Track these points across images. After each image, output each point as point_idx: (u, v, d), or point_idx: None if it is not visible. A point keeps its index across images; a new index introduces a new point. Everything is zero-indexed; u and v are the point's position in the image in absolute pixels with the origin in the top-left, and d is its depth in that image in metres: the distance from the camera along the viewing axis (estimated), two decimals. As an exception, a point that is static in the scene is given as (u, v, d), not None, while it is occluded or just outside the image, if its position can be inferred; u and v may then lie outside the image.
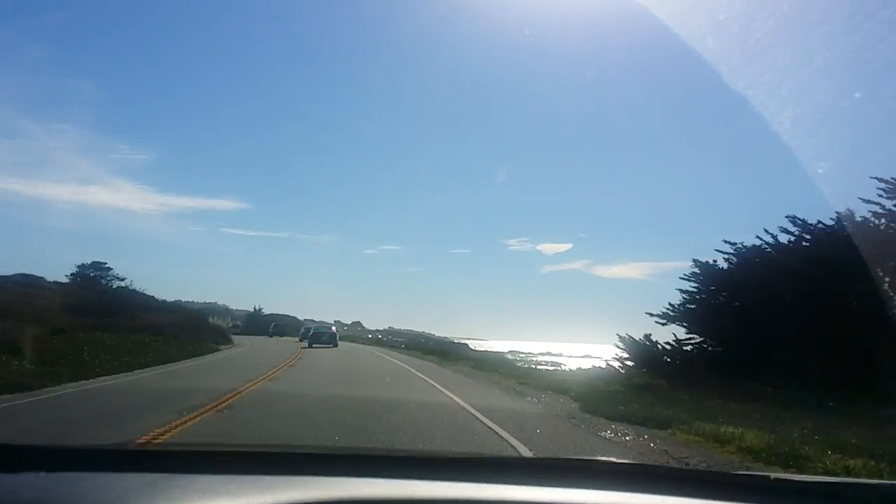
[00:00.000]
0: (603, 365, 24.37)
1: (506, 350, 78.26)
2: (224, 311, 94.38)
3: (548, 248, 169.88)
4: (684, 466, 6.54)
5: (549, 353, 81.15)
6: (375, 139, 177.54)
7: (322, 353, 33.83)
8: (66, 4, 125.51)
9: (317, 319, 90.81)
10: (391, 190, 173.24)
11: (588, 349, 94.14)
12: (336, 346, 42.87)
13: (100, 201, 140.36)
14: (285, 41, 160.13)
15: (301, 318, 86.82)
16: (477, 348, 72.78)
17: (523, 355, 69.54)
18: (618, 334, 21.54)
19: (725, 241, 20.19)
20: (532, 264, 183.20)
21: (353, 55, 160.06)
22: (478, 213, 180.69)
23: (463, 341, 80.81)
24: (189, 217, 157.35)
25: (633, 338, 21.28)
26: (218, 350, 32.62)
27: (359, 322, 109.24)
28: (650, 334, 20.82)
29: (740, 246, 19.75)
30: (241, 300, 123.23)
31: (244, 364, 23.39)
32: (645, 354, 20.69)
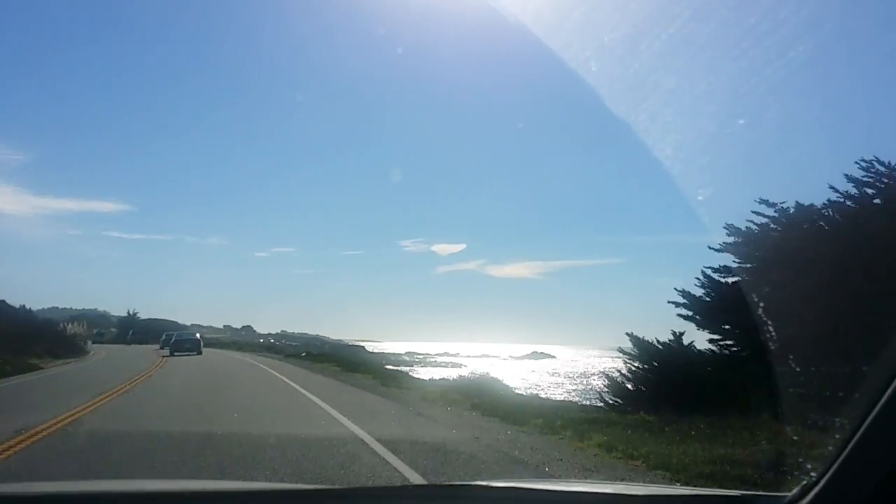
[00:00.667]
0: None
1: (402, 351, 75.74)
2: (100, 318, 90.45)
3: (442, 248, 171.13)
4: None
5: (446, 354, 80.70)
6: (266, 141, 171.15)
7: (183, 366, 28.66)
8: None
9: (204, 325, 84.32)
10: (283, 192, 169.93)
11: (485, 348, 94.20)
12: (200, 353, 40.16)
13: None
14: (170, 41, 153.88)
15: (188, 323, 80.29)
16: (373, 350, 69.47)
17: (420, 356, 67.06)
18: (627, 334, 15.52)
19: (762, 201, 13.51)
20: (427, 265, 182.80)
21: (242, 56, 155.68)
22: (372, 215, 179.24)
23: (358, 343, 77.43)
24: (67, 220, 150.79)
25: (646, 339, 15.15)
26: (43, 368, 27.09)
27: (250, 326, 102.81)
28: (682, 333, 14.83)
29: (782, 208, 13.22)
30: (122, 306, 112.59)
31: (66, 387, 18.30)
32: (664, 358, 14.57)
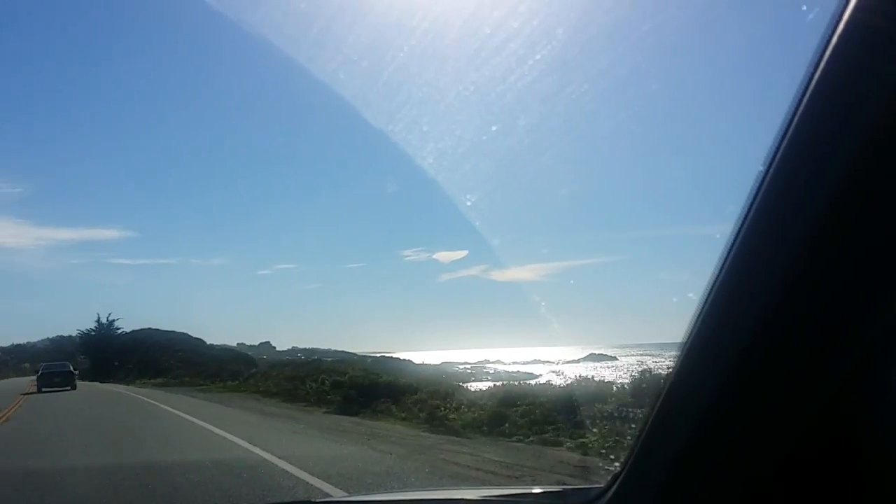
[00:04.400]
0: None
1: (438, 361, 64.84)
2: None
3: (444, 256, 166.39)
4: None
5: (486, 362, 71.93)
6: (264, 160, 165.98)
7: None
8: None
9: (217, 343, 71.60)
10: (282, 209, 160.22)
11: (530, 353, 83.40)
12: (74, 388, 34.56)
13: None
14: (166, 67, 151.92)
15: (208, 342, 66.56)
16: (421, 362, 57.35)
17: (471, 367, 56.08)
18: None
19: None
20: (430, 273, 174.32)
21: (237, 78, 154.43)
22: (372, 227, 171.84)
23: (385, 355, 66.98)
24: (69, 249, 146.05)
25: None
26: None
27: (268, 342, 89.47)
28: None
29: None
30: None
31: None
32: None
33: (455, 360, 70.28)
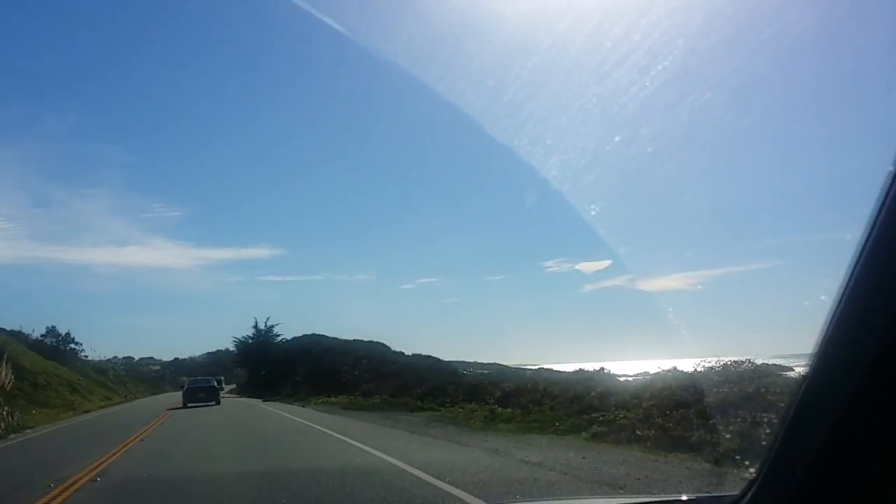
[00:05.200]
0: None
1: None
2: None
3: (586, 266, 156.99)
4: None
5: (646, 373, 55.38)
6: (400, 179, 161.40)
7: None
8: (86, 75, 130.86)
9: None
10: (423, 224, 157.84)
11: (672, 365, 69.39)
12: (218, 403, 34.49)
13: (137, 261, 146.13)
14: (300, 88, 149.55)
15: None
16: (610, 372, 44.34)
17: (628, 378, 42.99)
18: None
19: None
20: (572, 284, 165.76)
21: (370, 100, 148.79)
22: (512, 239, 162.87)
23: (544, 368, 53.98)
24: (225, 268, 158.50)
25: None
26: None
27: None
28: None
29: None
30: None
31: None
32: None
33: (613, 373, 55.85)
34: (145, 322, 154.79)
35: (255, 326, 59.54)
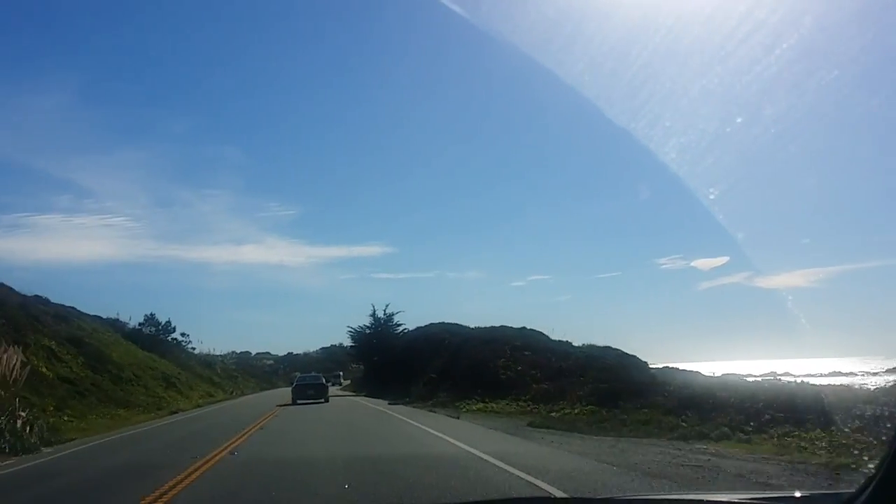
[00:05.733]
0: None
1: (718, 373, 42.59)
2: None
3: (703, 263, 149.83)
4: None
5: (773, 374, 48.29)
6: (511, 171, 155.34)
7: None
8: (205, 79, 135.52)
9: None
10: (534, 220, 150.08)
11: (815, 365, 63.63)
12: (327, 400, 34.06)
13: (254, 259, 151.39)
14: (418, 82, 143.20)
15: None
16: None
17: (757, 379, 33.81)
18: None
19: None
20: (688, 282, 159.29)
21: (488, 87, 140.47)
22: (625, 235, 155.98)
23: (670, 367, 44.34)
24: (339, 266, 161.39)
25: None
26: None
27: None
28: None
29: None
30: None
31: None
32: None
33: (736, 372, 46.77)
34: (261, 318, 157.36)
35: (373, 315, 50.76)
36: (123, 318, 56.63)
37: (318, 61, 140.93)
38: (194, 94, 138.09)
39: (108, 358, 37.87)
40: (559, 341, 30.09)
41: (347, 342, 58.25)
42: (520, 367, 25.63)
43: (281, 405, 31.52)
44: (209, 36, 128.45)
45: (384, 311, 50.72)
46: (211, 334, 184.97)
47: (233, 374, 75.80)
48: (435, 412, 22.96)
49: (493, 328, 32.04)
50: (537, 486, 8.24)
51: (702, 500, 2.36)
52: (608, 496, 6.01)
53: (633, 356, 26.87)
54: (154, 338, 55.85)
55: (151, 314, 58.06)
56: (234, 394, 57.60)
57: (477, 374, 26.10)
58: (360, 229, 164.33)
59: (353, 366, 78.31)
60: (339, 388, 73.69)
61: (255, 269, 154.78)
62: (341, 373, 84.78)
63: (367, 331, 50.85)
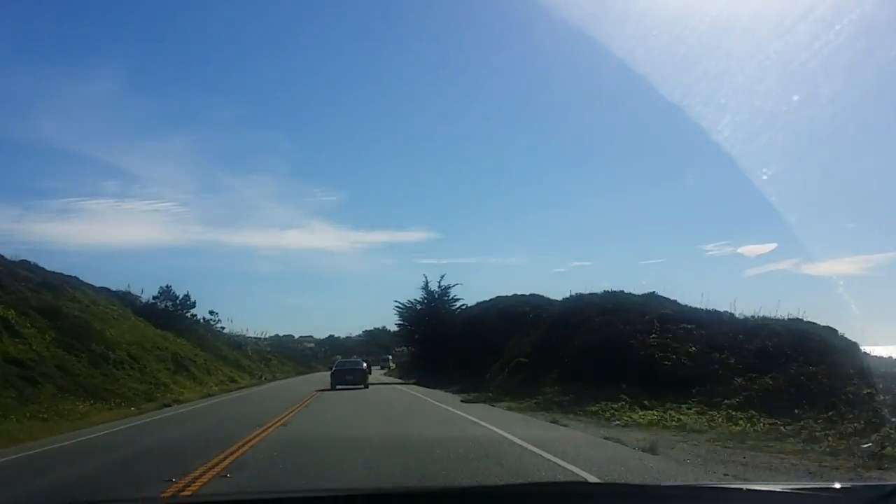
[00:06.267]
0: None
1: None
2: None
3: (750, 249, 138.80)
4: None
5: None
6: (562, 160, 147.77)
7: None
8: (251, 65, 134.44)
9: None
10: (579, 205, 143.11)
11: None
12: (366, 387, 32.28)
13: (299, 243, 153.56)
14: (461, 65, 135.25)
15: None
16: None
17: None
18: None
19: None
20: (734, 269, 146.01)
21: (535, 66, 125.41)
22: (670, 221, 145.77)
23: None
24: (382, 251, 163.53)
25: None
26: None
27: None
28: None
29: None
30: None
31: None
32: None
33: None
34: (304, 303, 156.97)
35: (425, 288, 41.67)
36: (135, 290, 48.77)
37: (364, 47, 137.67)
38: (240, 80, 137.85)
39: (95, 334, 29.55)
40: (708, 311, 20.20)
41: (392, 325, 49.93)
42: (692, 348, 16.11)
43: (293, 409, 21.52)
44: (256, 23, 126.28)
45: (438, 283, 41.63)
46: (255, 318, 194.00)
47: (266, 357, 67.85)
48: (566, 424, 13.50)
49: (609, 293, 22.24)
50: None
51: (741, 489, 2.37)
52: (644, 483, 5.77)
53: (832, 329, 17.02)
54: (170, 314, 47.75)
55: (167, 286, 49.92)
56: (263, 378, 49.28)
57: (609, 359, 16.66)
58: (404, 214, 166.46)
59: (397, 349, 70.22)
60: (384, 371, 65.59)
61: (300, 254, 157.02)
62: (390, 356, 79.79)
63: (418, 306, 41.83)
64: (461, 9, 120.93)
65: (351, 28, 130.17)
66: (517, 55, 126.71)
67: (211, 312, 63.19)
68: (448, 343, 37.82)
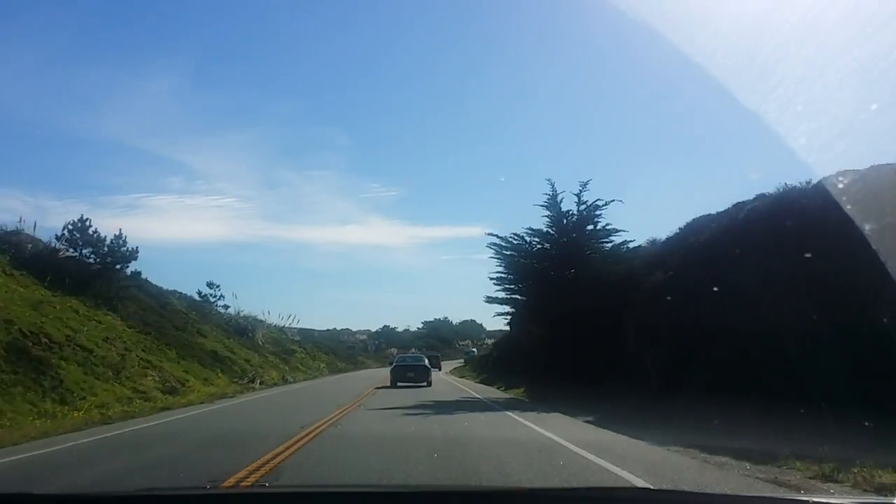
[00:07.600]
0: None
1: None
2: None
3: None
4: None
5: None
6: (625, 161, 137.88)
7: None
8: (310, 62, 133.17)
9: None
10: (639, 203, 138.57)
11: None
12: (429, 384, 29.46)
13: (357, 239, 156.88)
14: (522, 63, 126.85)
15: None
16: None
17: None
18: None
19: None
20: None
21: (605, 65, 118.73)
22: None
23: None
24: (439, 247, 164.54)
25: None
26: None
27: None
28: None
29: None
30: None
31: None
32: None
33: None
34: (361, 297, 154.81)
35: (552, 195, 21.93)
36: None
37: (423, 44, 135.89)
38: (301, 77, 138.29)
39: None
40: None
41: (454, 317, 38.74)
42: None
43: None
44: (316, 20, 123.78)
45: (577, 194, 21.23)
46: (312, 311, 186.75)
47: (288, 348, 48.51)
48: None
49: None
50: None
51: (797, 501, 2.28)
52: (703, 491, 5.12)
53: None
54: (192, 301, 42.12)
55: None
56: (253, 383, 29.77)
57: None
58: (462, 210, 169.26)
59: (462, 343, 51.54)
60: (443, 373, 46.51)
61: (357, 248, 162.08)
62: (475, 349, 74.78)
63: (552, 231, 21.88)
64: (525, 7, 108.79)
65: (411, 25, 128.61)
66: (583, 54, 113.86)
67: (209, 285, 45.13)
68: (593, 315, 17.79)
